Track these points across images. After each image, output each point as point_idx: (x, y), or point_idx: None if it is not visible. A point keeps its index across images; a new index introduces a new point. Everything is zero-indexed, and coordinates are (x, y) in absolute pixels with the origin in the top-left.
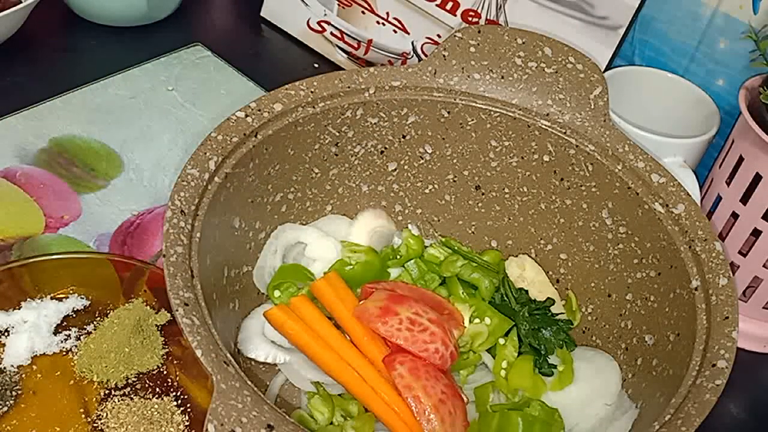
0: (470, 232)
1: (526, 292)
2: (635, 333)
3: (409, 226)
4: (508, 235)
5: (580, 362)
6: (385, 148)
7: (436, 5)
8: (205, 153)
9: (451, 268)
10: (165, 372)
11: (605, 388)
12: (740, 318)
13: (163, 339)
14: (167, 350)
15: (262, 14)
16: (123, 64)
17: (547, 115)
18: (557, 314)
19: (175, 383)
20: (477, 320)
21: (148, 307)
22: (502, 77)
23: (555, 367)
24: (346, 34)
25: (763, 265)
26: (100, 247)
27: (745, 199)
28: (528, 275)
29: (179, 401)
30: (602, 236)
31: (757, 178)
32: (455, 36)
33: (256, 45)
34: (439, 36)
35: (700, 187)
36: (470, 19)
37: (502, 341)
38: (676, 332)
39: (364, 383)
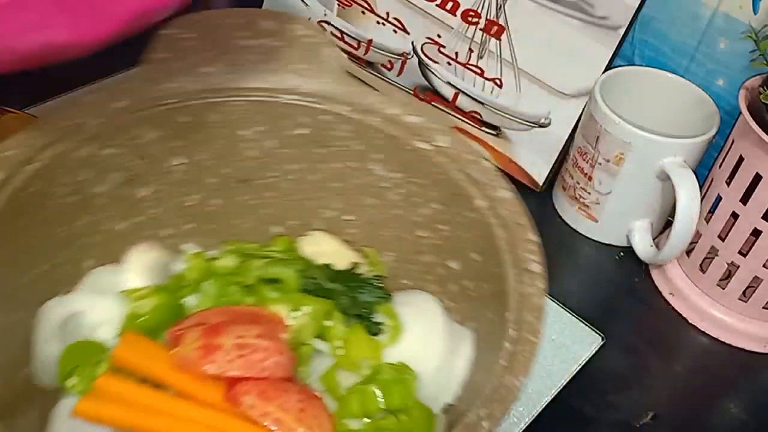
0: (249, 227)
1: (331, 267)
2: (439, 263)
3: (185, 246)
4: (289, 215)
5: (401, 308)
6: (131, 175)
7: (436, 5)
8: None
9: (250, 273)
10: None
11: (432, 324)
12: (740, 318)
13: None
14: None
15: None
16: (123, 64)
17: (292, 88)
18: (365, 274)
19: None
20: (296, 313)
21: None
22: (233, 63)
23: (383, 324)
24: (346, 34)
25: (763, 265)
26: None
27: (745, 199)
28: (324, 249)
29: None
30: (379, 187)
31: (757, 178)
32: (165, 34)
33: None
34: (439, 36)
35: (700, 187)
36: (470, 18)
37: (328, 323)
38: (478, 251)
39: None
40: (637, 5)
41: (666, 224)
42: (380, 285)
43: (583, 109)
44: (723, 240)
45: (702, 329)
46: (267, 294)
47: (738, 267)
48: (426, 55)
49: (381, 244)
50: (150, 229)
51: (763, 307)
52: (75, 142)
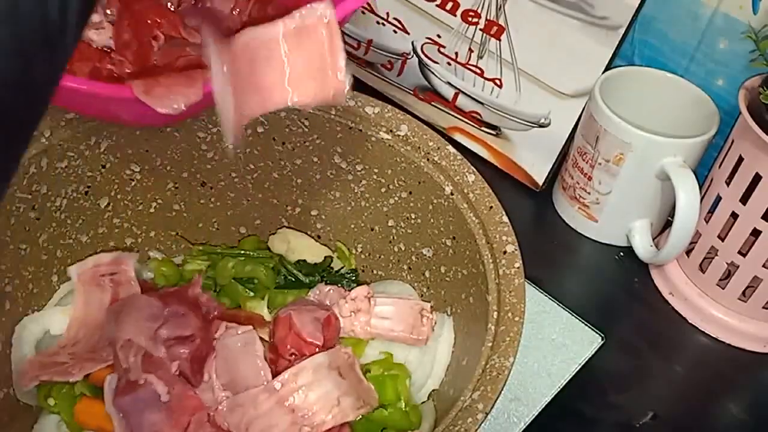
0: (214, 229)
1: (304, 261)
2: (411, 251)
3: (151, 253)
4: (254, 216)
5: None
6: (89, 186)
7: (436, 5)
8: None
9: (225, 273)
10: None
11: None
12: (740, 318)
13: None
14: None
15: None
16: None
17: None
18: (339, 269)
19: None
20: (274, 309)
21: None
22: None
23: None
24: (346, 34)
25: (763, 265)
26: None
27: (744, 199)
28: (294, 246)
29: None
30: (343, 180)
31: (757, 178)
32: None
33: None
34: (439, 36)
35: (700, 187)
36: (470, 19)
37: None
38: (450, 237)
39: None
40: (637, 5)
41: (666, 224)
42: (354, 278)
43: (583, 109)
44: (723, 240)
45: (702, 329)
46: (243, 293)
47: (738, 267)
48: (426, 55)
49: (351, 237)
50: (113, 239)
51: (763, 307)
52: (29, 156)
